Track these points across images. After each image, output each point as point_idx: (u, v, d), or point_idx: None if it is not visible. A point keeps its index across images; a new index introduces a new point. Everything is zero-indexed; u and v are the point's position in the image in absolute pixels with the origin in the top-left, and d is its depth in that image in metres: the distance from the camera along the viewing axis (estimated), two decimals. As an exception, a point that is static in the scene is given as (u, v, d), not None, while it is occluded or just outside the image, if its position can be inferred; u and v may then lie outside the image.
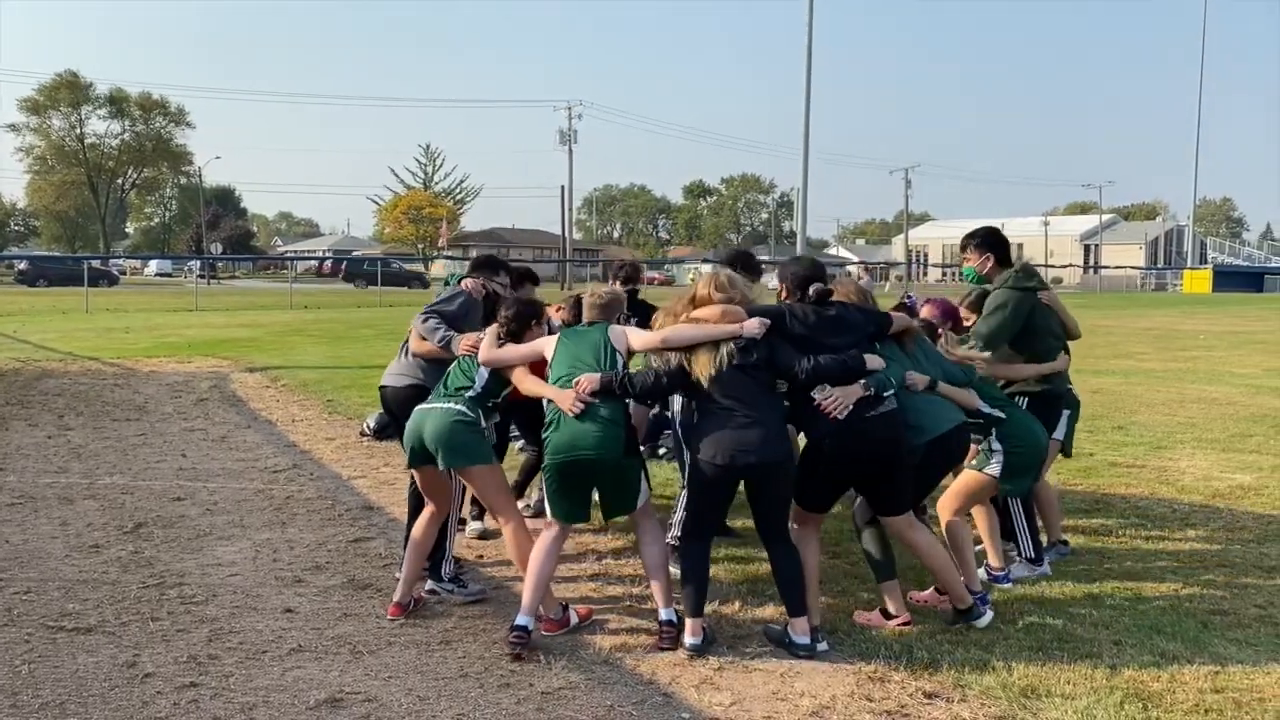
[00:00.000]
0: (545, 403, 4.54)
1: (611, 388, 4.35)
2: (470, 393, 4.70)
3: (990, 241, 5.60)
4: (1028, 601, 4.98)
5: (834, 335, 4.43)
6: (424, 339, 5.17)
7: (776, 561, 4.44)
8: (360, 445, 8.79)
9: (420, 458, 4.66)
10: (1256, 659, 4.29)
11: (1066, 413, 5.75)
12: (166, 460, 8.27)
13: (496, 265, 5.84)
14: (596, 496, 4.64)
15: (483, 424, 4.72)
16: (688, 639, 4.31)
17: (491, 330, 4.87)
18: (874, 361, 4.41)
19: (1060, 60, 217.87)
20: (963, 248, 5.71)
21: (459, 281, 5.59)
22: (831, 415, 4.31)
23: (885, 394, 4.41)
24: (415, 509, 5.21)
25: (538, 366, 4.71)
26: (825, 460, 4.44)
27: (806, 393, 4.37)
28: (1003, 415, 4.96)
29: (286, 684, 4.01)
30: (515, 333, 4.79)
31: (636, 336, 4.57)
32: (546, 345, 4.67)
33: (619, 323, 4.86)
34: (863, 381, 4.35)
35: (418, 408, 4.77)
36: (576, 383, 4.37)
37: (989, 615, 4.64)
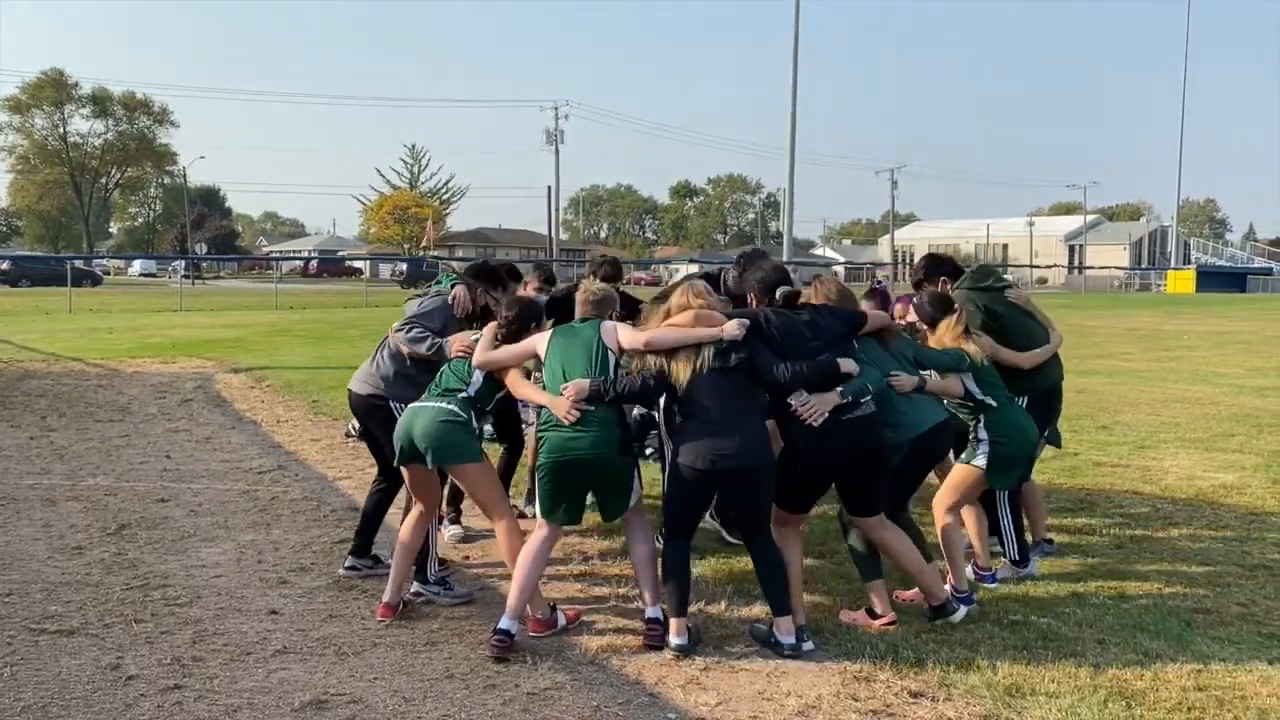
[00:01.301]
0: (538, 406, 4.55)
1: (599, 393, 4.35)
2: (463, 395, 4.67)
3: (934, 268, 5.61)
4: (1012, 600, 5.00)
5: (806, 339, 4.47)
6: (411, 347, 5.04)
7: (758, 560, 4.46)
8: (345, 446, 8.75)
9: (409, 456, 4.63)
10: (1239, 657, 4.31)
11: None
12: (150, 461, 8.22)
13: (496, 277, 5.47)
14: (590, 499, 4.63)
15: (474, 424, 4.69)
16: (673, 638, 4.31)
17: (488, 331, 4.81)
18: (848, 365, 4.44)
19: (1046, 61, 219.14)
20: (916, 286, 5.68)
21: (452, 287, 5.29)
22: (807, 421, 4.35)
23: (862, 399, 4.45)
24: (373, 508, 5.42)
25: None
26: (800, 462, 4.47)
27: (784, 397, 4.41)
28: (993, 404, 4.97)
29: (271, 686, 4.00)
30: (515, 334, 4.74)
31: (625, 335, 4.55)
32: (539, 342, 4.63)
33: (610, 319, 4.83)
34: (839, 389, 4.39)
35: (410, 406, 4.73)
36: (564, 389, 4.37)
37: (962, 611, 4.67)
